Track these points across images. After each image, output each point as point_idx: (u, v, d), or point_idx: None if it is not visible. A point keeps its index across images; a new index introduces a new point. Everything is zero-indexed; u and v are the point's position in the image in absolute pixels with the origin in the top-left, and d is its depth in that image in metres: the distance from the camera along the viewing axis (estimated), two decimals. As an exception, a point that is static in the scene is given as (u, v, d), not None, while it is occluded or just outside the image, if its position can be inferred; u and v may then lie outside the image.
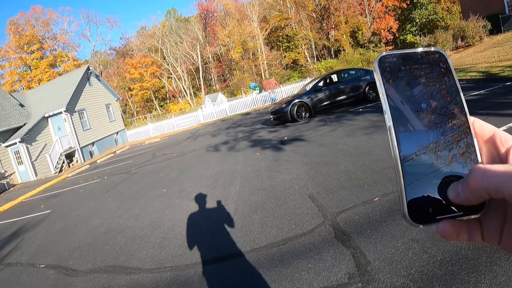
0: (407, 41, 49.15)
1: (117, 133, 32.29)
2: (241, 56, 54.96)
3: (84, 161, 25.95)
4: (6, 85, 52.85)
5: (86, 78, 29.24)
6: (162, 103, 61.50)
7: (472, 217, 0.48)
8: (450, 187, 0.47)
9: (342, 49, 51.90)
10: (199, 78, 57.86)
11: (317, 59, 53.61)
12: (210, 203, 7.06)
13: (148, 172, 13.13)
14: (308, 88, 15.49)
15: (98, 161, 23.79)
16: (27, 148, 22.89)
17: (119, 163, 19.08)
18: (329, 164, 7.56)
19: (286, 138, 11.61)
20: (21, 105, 27.60)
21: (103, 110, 30.87)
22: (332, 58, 52.75)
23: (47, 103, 27.11)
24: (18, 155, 23.15)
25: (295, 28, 52.44)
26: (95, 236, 7.41)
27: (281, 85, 34.41)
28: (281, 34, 54.82)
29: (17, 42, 54.71)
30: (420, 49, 0.54)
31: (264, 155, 10.05)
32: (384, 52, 0.53)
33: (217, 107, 32.39)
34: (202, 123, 30.08)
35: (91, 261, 6.02)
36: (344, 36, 50.85)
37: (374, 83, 14.82)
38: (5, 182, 22.58)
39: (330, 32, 52.08)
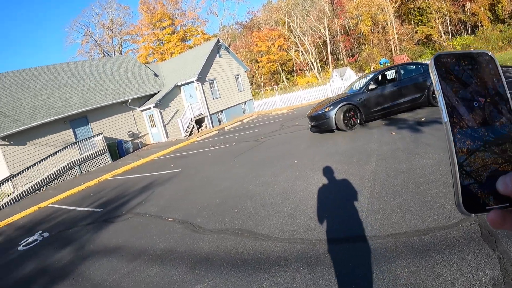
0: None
1: (245, 102, 33.27)
2: (370, 30, 51.80)
3: (213, 127, 27.34)
4: (141, 58, 58.71)
5: (216, 50, 30.45)
6: (288, 76, 61.70)
7: None
8: (499, 179, 0.53)
9: (480, 24, 45.29)
10: (327, 52, 56.38)
11: (452, 35, 47.88)
12: (344, 180, 6.49)
13: (277, 142, 12.88)
14: (355, 87, 12.55)
15: (226, 128, 24.58)
16: (160, 112, 24.97)
17: (246, 131, 19.46)
18: (476, 153, 6.24)
19: (423, 119, 10.13)
20: (155, 75, 30.18)
21: (232, 80, 31.99)
22: (468, 34, 46.54)
23: (179, 73, 29.03)
24: (152, 118, 25.54)
25: (428, 0, 47.51)
26: (223, 198, 7.43)
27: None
28: (412, 6, 50.01)
29: (149, 20, 60.09)
30: (471, 51, 0.59)
31: (400, 135, 8.99)
32: (439, 52, 0.60)
33: (345, 82, 30.91)
34: (330, 97, 28.95)
35: (219, 222, 6.04)
36: (482, 9, 44.06)
37: None
38: (138, 141, 25.41)
39: (466, 5, 45.82)
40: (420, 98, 11.56)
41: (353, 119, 11.21)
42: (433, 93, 10.99)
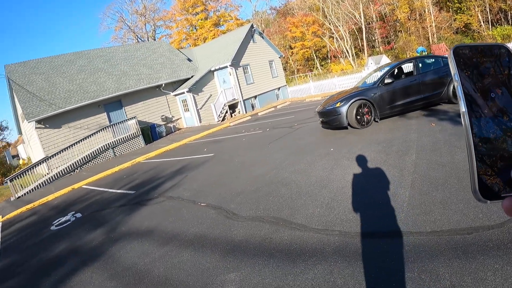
0: None
1: (278, 89, 32.93)
2: (407, 17, 49.94)
3: (246, 112, 27.27)
4: (174, 43, 59.04)
5: (250, 35, 30.28)
6: (322, 63, 60.42)
7: None
8: None
9: (521, 13, 42.83)
10: (362, 39, 54.75)
11: (492, 24, 45.35)
12: (383, 171, 6.17)
13: (312, 129, 12.49)
14: (369, 81, 11.52)
15: (259, 114, 24.48)
16: (194, 97, 25.09)
17: (280, 117, 18.98)
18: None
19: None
20: (189, 60, 30.28)
21: (266, 66, 31.74)
22: (508, 24, 43.81)
23: (213, 58, 29.03)
24: (185, 103, 25.73)
25: (467, -14, 45.02)
26: (258, 184, 7.23)
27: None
28: (451, -8, 47.95)
29: (182, 5, 60.22)
30: (488, 43, 0.61)
31: (440, 126, 8.51)
32: (457, 44, 0.61)
33: (380, 70, 30.09)
34: (341, 91, 28.22)
35: (253, 209, 5.87)
36: (524, -3, 41.60)
37: None
38: (171, 125, 25.79)
39: (507, -7, 43.30)
40: (439, 94, 10.67)
41: (367, 115, 10.31)
42: (454, 88, 10.32)
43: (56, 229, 8.52)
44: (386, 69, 11.01)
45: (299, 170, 7.49)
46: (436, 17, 47.26)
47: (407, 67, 12.49)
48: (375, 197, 5.08)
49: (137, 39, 60.02)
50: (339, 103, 10.33)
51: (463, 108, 0.58)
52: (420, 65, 10.99)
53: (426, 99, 10.61)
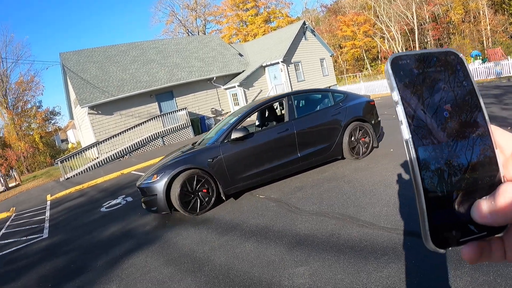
0: None
1: (329, 87, 32.12)
2: (462, 19, 47.74)
3: (296, 109, 26.83)
4: (224, 38, 59.07)
5: (302, 32, 30.13)
6: (372, 63, 59.00)
7: (496, 236, 0.45)
8: (474, 207, 0.44)
9: None
10: (414, 40, 52.96)
11: None
12: None
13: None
14: (221, 131, 7.13)
15: (309, 112, 23.94)
16: (244, 92, 25.25)
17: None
18: None
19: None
20: (240, 55, 30.46)
21: (317, 64, 31.49)
22: None
23: (264, 54, 29.03)
24: (235, 97, 25.94)
25: (526, -11, 42.21)
26: (317, 180, 6.98)
27: (508, 57, 27.92)
28: (507, -5, 45.25)
29: (233, 1, 60.56)
30: (434, 50, 0.49)
31: None
32: (396, 53, 0.48)
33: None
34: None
35: (316, 204, 5.64)
36: None
37: (362, 120, 7.87)
38: (221, 119, 25.72)
39: None
40: (328, 148, 7.37)
41: (202, 195, 6.41)
42: (351, 138, 7.64)
43: (106, 211, 8.64)
44: (244, 112, 7.32)
45: (359, 168, 7.16)
46: (491, 20, 44.82)
47: (275, 109, 8.99)
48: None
49: (187, 33, 61.03)
50: (155, 175, 6.43)
51: (406, 135, 0.44)
52: (296, 104, 7.41)
53: (306, 158, 7.15)
